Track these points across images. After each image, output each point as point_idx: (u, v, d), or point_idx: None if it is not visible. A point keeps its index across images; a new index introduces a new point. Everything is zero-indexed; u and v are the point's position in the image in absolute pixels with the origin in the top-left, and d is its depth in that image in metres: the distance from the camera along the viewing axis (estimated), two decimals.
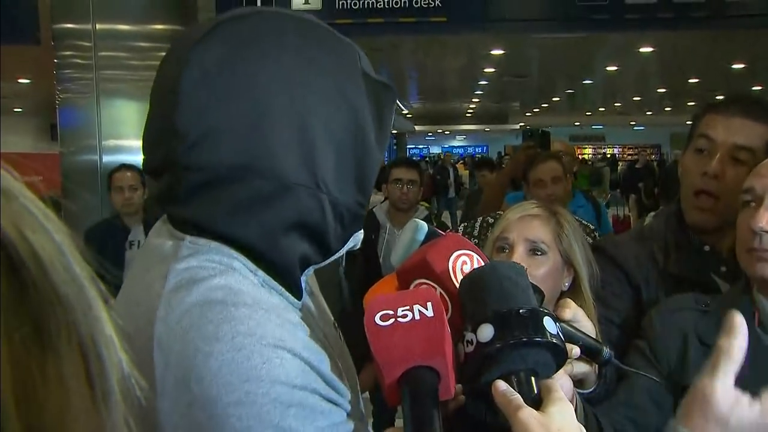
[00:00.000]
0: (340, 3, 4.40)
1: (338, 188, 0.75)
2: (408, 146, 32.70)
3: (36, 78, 11.28)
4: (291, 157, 0.72)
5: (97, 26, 4.10)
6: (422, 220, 3.16)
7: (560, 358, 0.70)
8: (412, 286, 0.79)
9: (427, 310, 0.68)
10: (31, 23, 4.55)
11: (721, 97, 1.54)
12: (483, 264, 0.79)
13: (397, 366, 0.66)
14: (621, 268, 1.48)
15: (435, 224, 3.48)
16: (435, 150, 38.71)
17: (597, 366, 1.09)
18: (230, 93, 0.71)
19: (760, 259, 1.13)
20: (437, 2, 4.37)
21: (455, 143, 38.69)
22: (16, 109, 16.90)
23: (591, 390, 1.12)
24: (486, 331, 0.66)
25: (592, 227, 2.54)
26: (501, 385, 0.66)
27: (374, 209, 3.63)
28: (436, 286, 0.78)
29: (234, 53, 0.72)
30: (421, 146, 38.56)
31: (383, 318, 0.68)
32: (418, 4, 4.38)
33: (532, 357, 0.67)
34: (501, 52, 9.83)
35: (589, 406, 1.03)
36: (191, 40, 0.74)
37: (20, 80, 11.89)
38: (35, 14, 4.56)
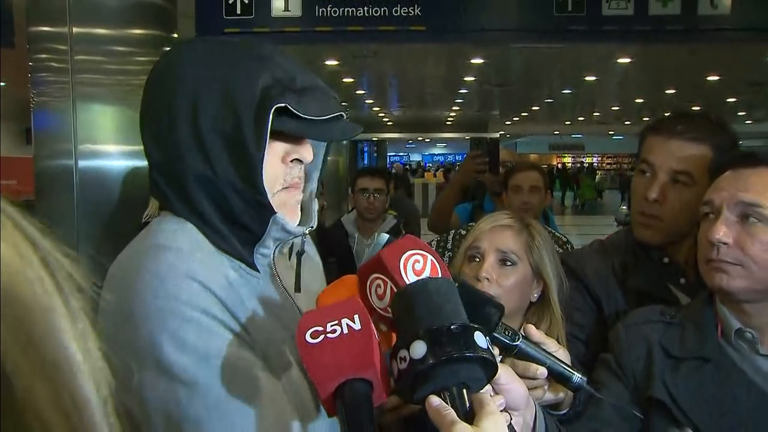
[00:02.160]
0: (320, 11, 4.40)
1: (236, 178, 0.92)
2: (388, 153, 32.75)
3: (10, 81, 11.12)
4: (194, 155, 0.92)
5: (74, 30, 4.05)
6: (391, 227, 3.16)
7: (490, 371, 0.71)
8: (368, 282, 0.83)
9: (354, 323, 0.72)
10: (6, 26, 4.49)
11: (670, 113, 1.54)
12: (436, 265, 0.83)
13: (329, 382, 0.70)
14: (581, 280, 1.49)
15: (404, 232, 3.48)
16: (415, 157, 38.81)
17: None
18: (157, 104, 0.96)
19: (717, 270, 1.15)
20: (417, 11, 4.39)
21: (435, 151, 38.82)
22: None
23: (564, 412, 1.13)
24: (418, 348, 0.67)
25: (564, 239, 2.55)
26: (434, 400, 0.67)
27: (342, 219, 3.62)
28: (388, 280, 0.81)
29: (161, 74, 0.97)
30: (401, 153, 38.62)
31: (313, 335, 0.72)
32: (398, 13, 4.39)
33: (464, 372, 0.68)
34: (481, 61, 9.87)
35: (551, 417, 1.03)
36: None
37: None
38: (10, 17, 4.51)
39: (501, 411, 0.84)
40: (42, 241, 0.35)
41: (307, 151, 0.98)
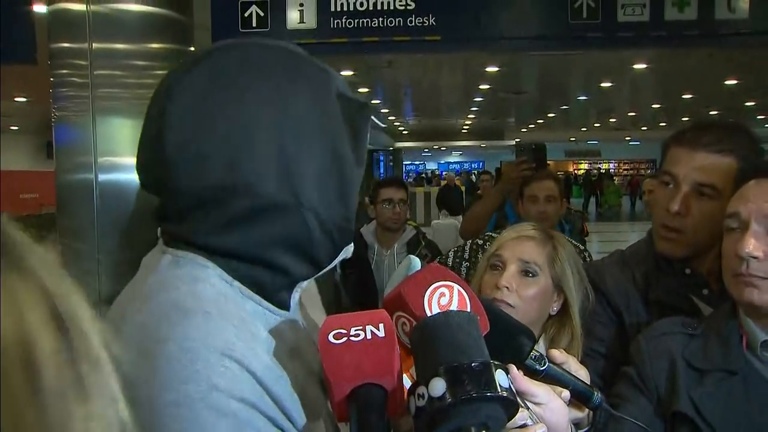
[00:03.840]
0: (335, 22, 4.43)
1: (323, 206, 0.79)
2: (404, 162, 32.77)
3: (33, 96, 11.30)
4: (271, 180, 0.76)
5: (94, 45, 4.11)
6: (410, 238, 3.14)
7: (511, 410, 0.68)
8: (394, 319, 0.78)
9: (378, 330, 0.70)
10: (29, 43, 4.57)
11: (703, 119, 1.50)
12: (464, 295, 0.78)
13: (345, 383, 0.68)
14: (601, 292, 1.48)
15: (424, 243, 3.46)
16: (431, 166, 38.78)
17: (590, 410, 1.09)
18: (213, 123, 0.76)
19: (747, 284, 1.13)
20: (431, 21, 4.40)
21: (451, 159, 38.77)
22: (12, 128, 16.92)
23: (585, 430, 1.12)
24: (437, 386, 0.65)
25: (582, 248, 2.53)
26: None
27: (361, 230, 3.58)
28: (412, 319, 0.77)
29: (217, 85, 0.77)
30: (417, 162, 38.62)
31: (336, 336, 0.70)
32: (413, 23, 4.41)
33: (483, 411, 0.66)
34: (496, 69, 9.88)
35: None
36: (179, 72, 0.80)
37: (17, 99, 11.91)
38: (33, 34, 4.59)
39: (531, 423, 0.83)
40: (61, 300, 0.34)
41: None
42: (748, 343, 1.17)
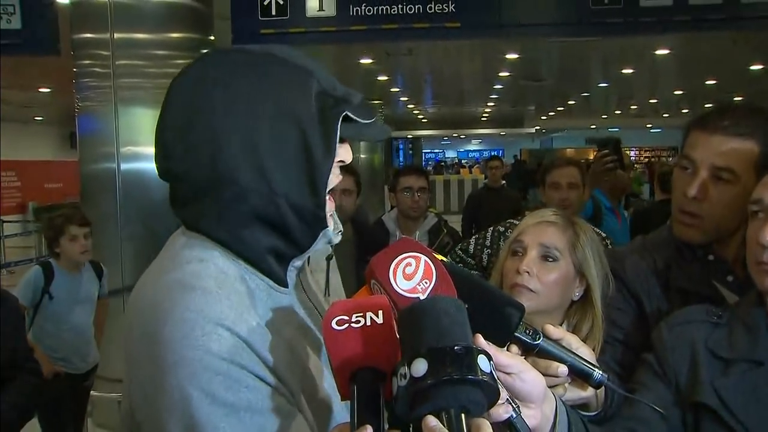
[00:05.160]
0: (354, 10, 4.42)
1: (294, 193, 0.91)
2: (423, 150, 32.70)
3: (56, 87, 11.43)
4: (247, 171, 0.89)
5: (115, 35, 4.15)
6: (432, 226, 3.16)
7: (492, 397, 0.69)
8: (372, 286, 0.86)
9: (377, 317, 0.75)
10: (52, 34, 4.62)
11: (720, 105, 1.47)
12: (430, 265, 0.84)
13: (346, 366, 0.74)
14: (621, 280, 1.46)
15: (446, 231, 3.47)
16: (450, 154, 38.66)
17: (602, 390, 1.09)
18: (197, 120, 0.91)
19: None
20: (451, 8, 4.38)
21: (471, 147, 38.60)
22: (37, 118, 17.13)
23: (595, 413, 1.12)
24: (419, 366, 0.66)
25: (603, 234, 2.52)
26: (431, 421, 0.66)
27: (383, 217, 3.61)
28: (380, 287, 0.84)
29: (197, 89, 0.92)
30: (436, 150, 38.51)
31: (339, 323, 0.75)
32: (432, 10, 4.39)
33: (464, 395, 0.66)
34: (516, 56, 9.80)
35: (576, 415, 1.01)
36: (177, 77, 0.95)
37: (41, 90, 12.05)
38: (56, 25, 4.64)
39: (506, 402, 0.84)
40: None
41: (349, 153, 0.99)
42: None
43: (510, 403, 0.85)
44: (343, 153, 0.97)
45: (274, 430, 0.85)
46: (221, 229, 0.92)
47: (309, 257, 1.04)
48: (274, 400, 0.86)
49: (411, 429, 0.69)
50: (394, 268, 0.83)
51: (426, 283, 0.83)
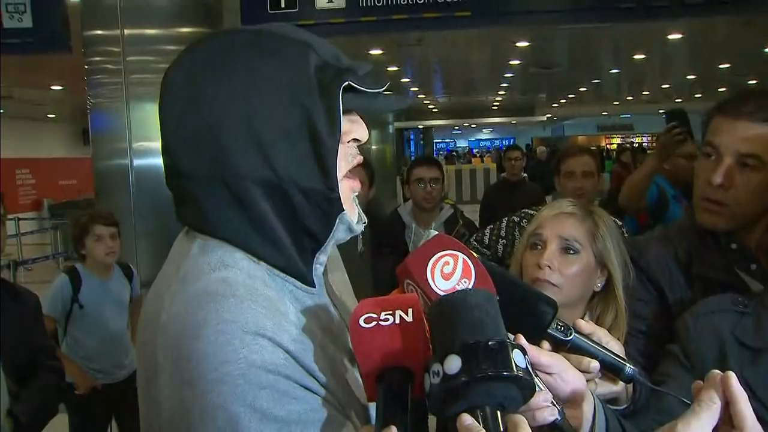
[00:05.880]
0: (364, 1, 4.40)
1: (303, 177, 0.84)
2: (435, 140, 32.61)
3: (68, 84, 11.48)
4: (249, 159, 0.82)
5: (126, 32, 4.16)
6: (448, 217, 3.14)
7: (528, 392, 0.67)
8: (405, 286, 0.81)
9: (407, 315, 0.72)
10: (63, 32, 4.63)
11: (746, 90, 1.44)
12: (469, 263, 0.80)
13: (373, 366, 0.72)
14: (642, 270, 1.44)
15: (462, 222, 3.45)
16: (462, 144, 38.54)
17: (631, 385, 1.07)
18: (193, 112, 0.84)
19: None
20: None
21: (482, 136, 38.49)
22: (49, 116, 17.23)
23: (624, 407, 1.11)
24: (453, 363, 0.64)
25: (620, 223, 2.50)
26: (466, 419, 0.64)
27: (398, 209, 3.58)
28: (417, 287, 0.80)
29: (191, 78, 0.85)
30: (447, 140, 38.42)
31: (367, 321, 0.72)
32: (442, 0, 4.36)
33: (499, 391, 0.65)
34: (526, 44, 9.73)
35: (612, 412, 1.00)
36: (170, 67, 0.88)
37: (53, 87, 12.11)
38: (66, 23, 4.65)
39: (550, 405, 0.82)
40: None
41: (363, 129, 0.92)
42: None
43: (555, 405, 0.83)
44: (357, 129, 0.91)
45: None
46: (239, 228, 0.84)
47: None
48: (325, 410, 0.80)
49: (445, 428, 0.67)
50: (431, 268, 0.79)
51: (465, 282, 0.80)
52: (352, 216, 0.91)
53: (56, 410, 2.23)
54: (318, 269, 0.91)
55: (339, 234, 0.90)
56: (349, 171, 0.92)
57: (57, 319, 3.30)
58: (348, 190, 0.91)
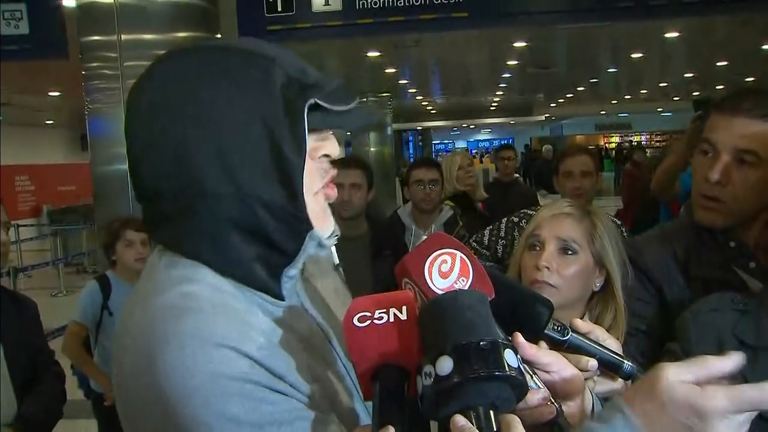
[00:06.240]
0: (360, 3, 4.40)
1: (268, 193, 0.84)
2: (433, 141, 32.62)
3: (66, 90, 11.48)
4: (215, 176, 0.83)
5: (123, 37, 4.16)
6: (447, 219, 3.12)
7: (520, 391, 0.67)
8: (404, 285, 0.81)
9: (401, 313, 0.73)
10: (60, 38, 4.63)
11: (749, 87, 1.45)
12: (467, 262, 0.80)
13: (367, 365, 0.72)
14: (641, 269, 1.44)
15: (461, 224, 3.44)
16: (461, 144, 38.54)
17: (630, 382, 1.07)
18: (158, 131, 0.85)
19: None
20: None
21: (480, 137, 38.49)
22: (47, 122, 17.23)
23: None
24: (445, 364, 0.64)
25: (618, 222, 2.50)
26: (459, 420, 0.64)
27: (398, 211, 3.58)
28: (415, 286, 0.79)
29: (157, 97, 0.86)
30: (446, 141, 38.43)
31: (361, 319, 0.73)
32: (439, 1, 4.36)
33: (492, 391, 0.65)
34: (524, 44, 9.73)
35: None
36: (136, 81, 0.89)
37: (51, 93, 12.11)
38: (63, 29, 4.65)
39: (549, 403, 0.82)
40: None
41: (333, 145, 0.92)
42: None
43: (553, 404, 0.83)
44: (327, 146, 0.91)
45: None
46: (202, 245, 0.85)
47: (305, 264, 0.99)
48: (299, 410, 0.81)
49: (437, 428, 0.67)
50: (429, 267, 0.79)
51: (463, 281, 0.79)
52: (325, 230, 0.92)
53: (61, 414, 2.23)
54: (287, 283, 0.91)
55: (309, 250, 0.90)
56: (330, 175, 0.93)
57: (89, 327, 3.26)
58: (321, 203, 0.92)
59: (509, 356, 0.65)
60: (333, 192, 0.93)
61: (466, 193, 3.94)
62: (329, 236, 0.93)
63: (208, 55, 0.87)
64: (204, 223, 0.85)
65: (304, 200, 0.87)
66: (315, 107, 0.86)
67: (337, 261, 1.10)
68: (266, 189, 0.84)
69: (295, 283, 0.96)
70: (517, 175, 5.92)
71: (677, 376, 0.70)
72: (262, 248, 0.87)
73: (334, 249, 1.03)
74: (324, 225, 0.92)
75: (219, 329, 0.79)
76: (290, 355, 0.84)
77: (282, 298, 0.90)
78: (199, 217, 0.85)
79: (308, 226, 0.88)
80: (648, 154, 10.59)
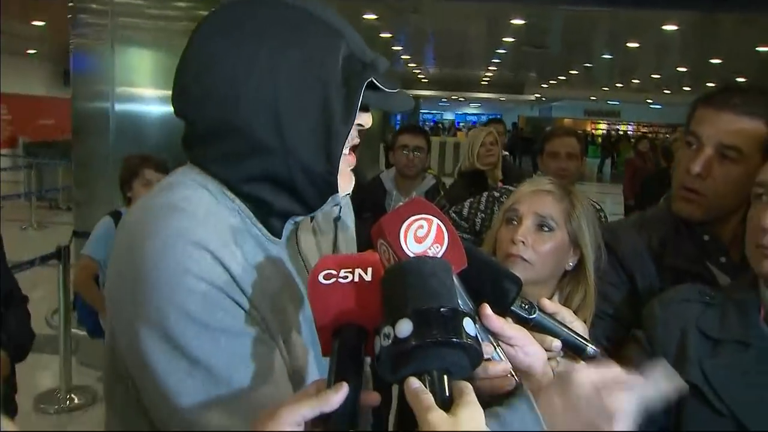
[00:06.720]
0: None
1: (306, 154, 0.89)
2: (421, 111, 32.48)
3: (51, 21, 11.17)
4: (261, 124, 0.87)
5: None
6: (429, 188, 3.12)
7: (476, 360, 0.69)
8: (378, 246, 0.81)
9: (366, 274, 0.75)
10: None
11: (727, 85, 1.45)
12: (442, 228, 0.80)
13: (329, 322, 0.74)
14: (615, 255, 1.46)
15: (443, 193, 3.45)
16: (448, 116, 38.46)
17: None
18: (215, 69, 0.88)
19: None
20: None
21: (469, 111, 38.41)
22: (29, 51, 16.81)
23: None
24: (404, 327, 0.65)
25: (598, 206, 2.53)
26: (413, 382, 0.66)
27: (381, 175, 3.58)
28: (389, 248, 0.80)
29: (219, 38, 0.89)
30: (434, 112, 38.30)
31: (326, 277, 0.75)
32: None
33: (448, 357, 0.66)
34: (521, 21, 9.67)
35: None
36: (201, 22, 0.93)
37: (34, 23, 11.78)
38: None
39: (509, 375, 0.84)
40: None
41: (369, 118, 0.96)
42: (765, 316, 1.15)
43: (513, 377, 0.84)
44: (364, 118, 0.95)
45: (248, 355, 0.84)
46: (227, 171, 0.90)
47: (314, 216, 1.04)
48: (252, 328, 0.85)
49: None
50: (405, 230, 0.79)
51: (437, 247, 0.80)
52: (345, 189, 0.96)
53: (34, 335, 2.27)
54: (289, 225, 0.97)
55: (326, 207, 0.95)
56: (355, 142, 0.97)
57: (101, 262, 3.25)
58: (345, 166, 0.95)
59: (468, 325, 0.67)
60: (353, 159, 0.97)
61: (483, 172, 3.64)
62: (345, 195, 0.98)
63: (282, 6, 0.91)
64: (239, 160, 0.89)
65: (338, 167, 0.91)
66: (368, 85, 0.89)
67: (346, 219, 1.14)
68: (309, 152, 0.88)
69: (297, 228, 1.01)
70: (506, 153, 5.82)
71: (587, 376, 0.80)
72: (284, 199, 0.92)
73: (349, 205, 1.14)
74: (347, 183, 0.96)
75: (203, 232, 0.84)
76: (261, 279, 0.88)
77: (279, 236, 0.96)
78: (237, 154, 0.89)
79: (335, 190, 0.93)
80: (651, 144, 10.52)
